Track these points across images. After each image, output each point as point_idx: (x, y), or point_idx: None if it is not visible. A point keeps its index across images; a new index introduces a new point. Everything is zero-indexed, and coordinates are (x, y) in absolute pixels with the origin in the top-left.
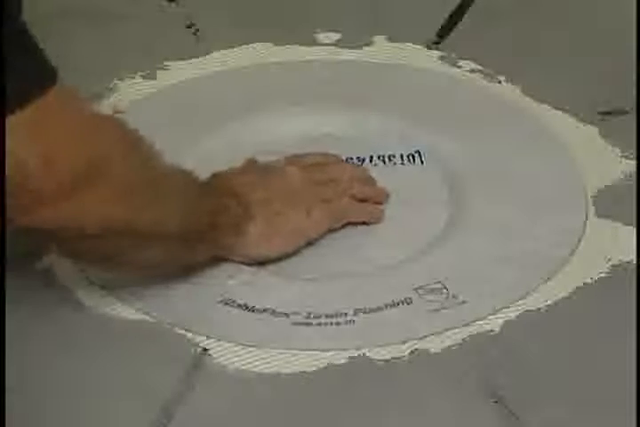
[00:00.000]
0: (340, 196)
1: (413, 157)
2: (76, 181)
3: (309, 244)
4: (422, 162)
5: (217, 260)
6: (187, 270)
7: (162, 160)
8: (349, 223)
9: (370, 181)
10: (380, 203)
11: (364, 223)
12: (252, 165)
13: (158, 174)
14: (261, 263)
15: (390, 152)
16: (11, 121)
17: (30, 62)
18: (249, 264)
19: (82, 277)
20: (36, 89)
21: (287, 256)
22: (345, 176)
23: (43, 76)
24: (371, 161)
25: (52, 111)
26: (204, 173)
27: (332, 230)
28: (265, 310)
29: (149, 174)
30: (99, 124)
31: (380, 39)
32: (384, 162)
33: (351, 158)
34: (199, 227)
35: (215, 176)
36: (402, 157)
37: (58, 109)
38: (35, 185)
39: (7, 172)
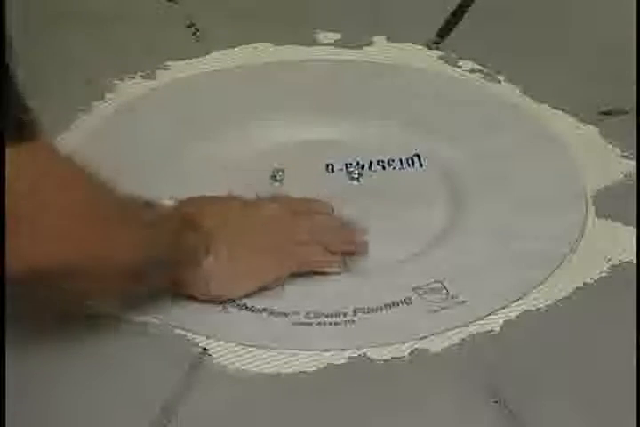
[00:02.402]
0: (313, 243)
1: (412, 160)
2: (17, 221)
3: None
4: (422, 165)
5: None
6: None
7: (116, 192)
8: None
9: (347, 234)
10: (352, 253)
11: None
12: (230, 198)
13: (113, 206)
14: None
15: (389, 157)
16: None
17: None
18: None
19: None
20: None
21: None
22: (324, 225)
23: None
24: (370, 167)
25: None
26: (202, 175)
27: (292, 274)
28: (264, 310)
29: (104, 206)
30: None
31: (380, 39)
32: (383, 167)
33: (351, 164)
34: (157, 258)
35: (182, 203)
36: (401, 161)
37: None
38: None
39: None
